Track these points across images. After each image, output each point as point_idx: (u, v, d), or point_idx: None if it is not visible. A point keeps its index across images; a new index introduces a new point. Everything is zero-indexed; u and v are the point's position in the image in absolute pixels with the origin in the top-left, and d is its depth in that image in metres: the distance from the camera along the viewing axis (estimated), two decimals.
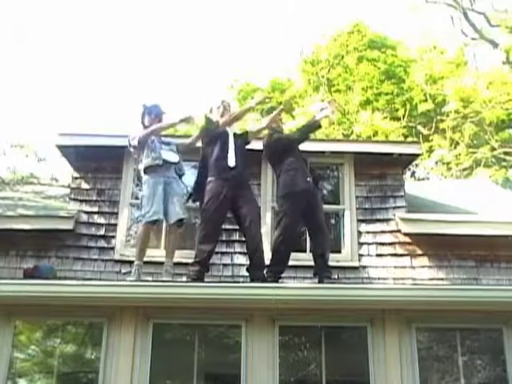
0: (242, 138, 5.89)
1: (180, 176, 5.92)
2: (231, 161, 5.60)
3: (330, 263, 5.64)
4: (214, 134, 5.74)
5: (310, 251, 5.86)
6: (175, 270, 5.66)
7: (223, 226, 6.07)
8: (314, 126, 5.91)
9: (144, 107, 5.99)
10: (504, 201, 8.32)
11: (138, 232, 5.82)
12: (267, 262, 5.56)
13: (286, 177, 5.69)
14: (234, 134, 5.85)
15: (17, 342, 5.20)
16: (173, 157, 5.83)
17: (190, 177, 6.55)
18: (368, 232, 6.68)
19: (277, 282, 5.47)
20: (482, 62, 17.96)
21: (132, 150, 5.88)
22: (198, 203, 5.81)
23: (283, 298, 5.02)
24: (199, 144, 6.01)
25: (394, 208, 6.77)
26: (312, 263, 5.65)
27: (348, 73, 19.02)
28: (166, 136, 6.11)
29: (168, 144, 5.93)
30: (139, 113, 6.01)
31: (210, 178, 5.60)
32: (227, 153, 5.63)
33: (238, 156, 5.67)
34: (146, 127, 5.89)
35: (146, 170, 5.68)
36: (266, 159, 6.24)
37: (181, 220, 5.64)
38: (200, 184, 5.71)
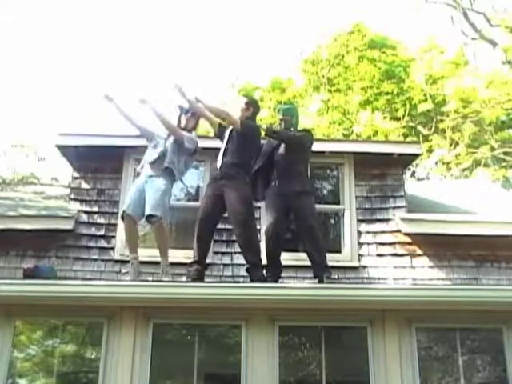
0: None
1: (168, 168, 5.61)
2: (218, 162, 5.68)
3: (330, 263, 5.64)
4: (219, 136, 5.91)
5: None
6: (175, 270, 5.67)
7: (223, 226, 6.09)
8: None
9: (180, 108, 5.90)
10: (504, 201, 8.32)
11: None
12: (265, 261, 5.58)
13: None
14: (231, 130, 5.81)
15: (17, 341, 5.20)
16: (154, 154, 5.67)
17: (190, 177, 6.56)
18: (368, 232, 6.68)
19: (277, 281, 5.48)
20: (482, 62, 17.94)
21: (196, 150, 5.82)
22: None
23: (283, 298, 5.02)
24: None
25: (394, 208, 6.77)
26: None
27: (348, 72, 19.02)
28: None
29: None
30: (175, 116, 5.92)
31: None
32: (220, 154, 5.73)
33: (234, 152, 5.63)
34: (183, 129, 5.81)
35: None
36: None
37: (151, 216, 5.39)
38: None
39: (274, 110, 6.37)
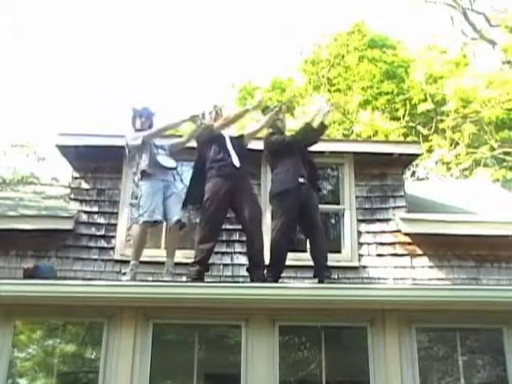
0: (239, 141, 5.89)
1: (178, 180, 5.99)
2: (235, 161, 5.60)
3: (330, 263, 5.64)
4: (209, 137, 5.74)
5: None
6: (175, 270, 5.66)
7: (223, 226, 6.08)
8: (315, 127, 5.91)
9: (134, 110, 5.99)
10: (504, 201, 8.32)
11: (134, 232, 5.81)
12: (267, 261, 5.56)
13: (275, 177, 5.76)
14: (231, 137, 5.84)
15: (17, 341, 5.21)
16: (169, 162, 5.83)
17: (189, 177, 6.54)
18: (368, 232, 6.68)
19: (277, 281, 5.47)
20: (482, 61, 17.93)
21: (129, 150, 5.82)
22: (196, 205, 5.78)
23: (283, 298, 5.02)
24: (190, 144, 6.02)
25: (394, 208, 6.77)
26: (312, 263, 5.65)
27: (348, 72, 19.02)
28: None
29: (162, 148, 5.92)
30: (129, 116, 6.01)
31: (209, 176, 5.60)
32: (226, 154, 5.63)
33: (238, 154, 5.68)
34: (137, 130, 5.89)
35: (142, 174, 5.68)
36: (265, 158, 6.30)
37: (181, 221, 5.65)
38: (195, 187, 5.68)
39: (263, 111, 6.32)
